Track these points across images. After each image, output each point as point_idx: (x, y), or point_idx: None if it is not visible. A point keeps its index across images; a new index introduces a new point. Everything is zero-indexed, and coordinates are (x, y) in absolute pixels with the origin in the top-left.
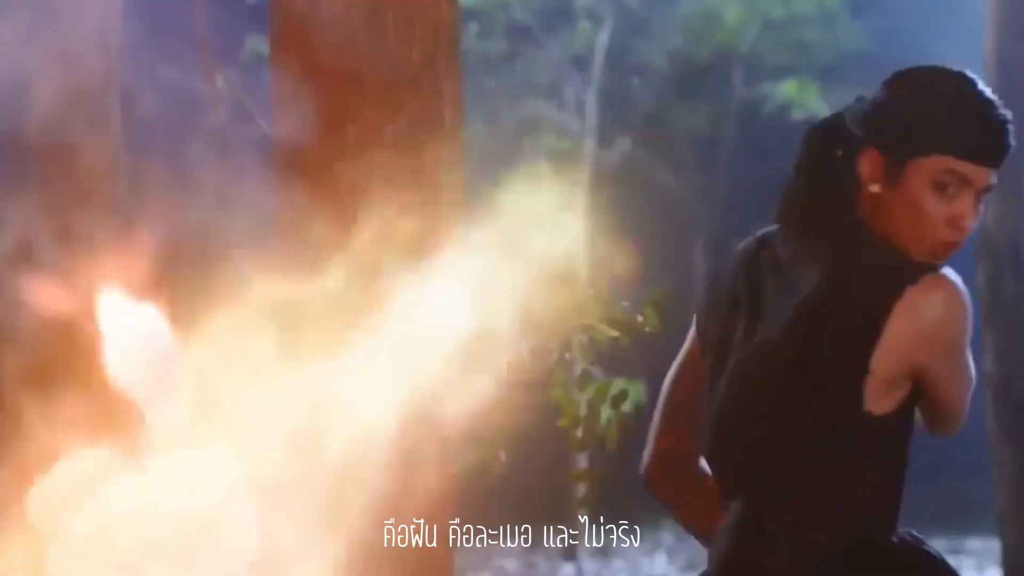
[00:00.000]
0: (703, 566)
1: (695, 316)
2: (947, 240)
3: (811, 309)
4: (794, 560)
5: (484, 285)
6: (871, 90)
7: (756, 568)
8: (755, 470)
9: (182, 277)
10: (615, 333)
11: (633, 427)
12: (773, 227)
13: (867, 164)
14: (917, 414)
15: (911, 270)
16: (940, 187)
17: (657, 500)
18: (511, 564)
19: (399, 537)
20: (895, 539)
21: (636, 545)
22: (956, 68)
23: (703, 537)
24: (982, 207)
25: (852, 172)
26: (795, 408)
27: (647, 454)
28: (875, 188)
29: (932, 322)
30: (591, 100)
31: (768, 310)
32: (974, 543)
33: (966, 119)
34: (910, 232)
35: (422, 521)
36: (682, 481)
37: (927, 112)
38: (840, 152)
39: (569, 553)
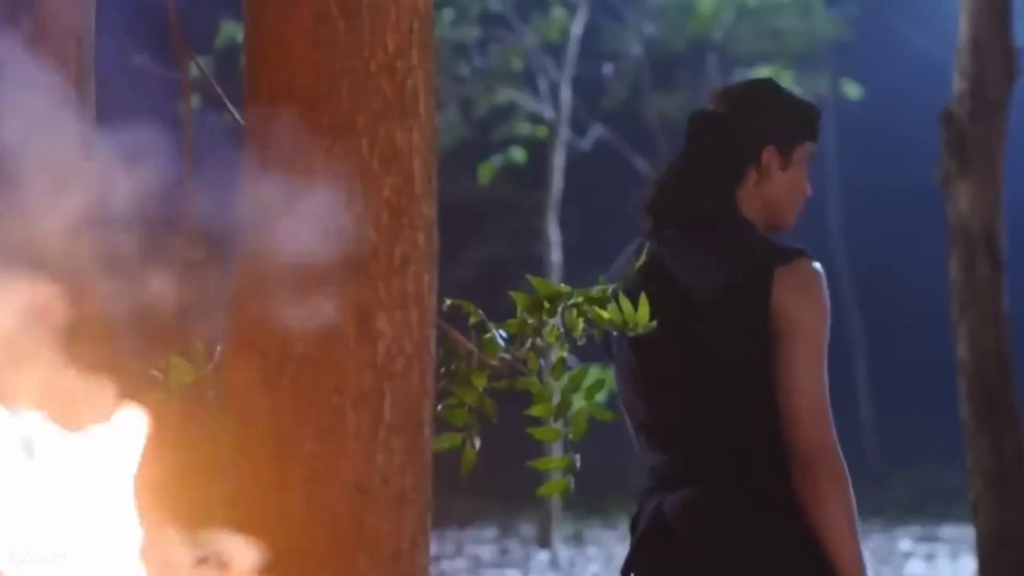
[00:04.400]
0: None
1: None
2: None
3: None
4: None
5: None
6: (845, 78)
7: None
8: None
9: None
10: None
11: (607, 415)
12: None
13: (768, 157)
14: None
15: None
16: (805, 165)
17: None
18: (485, 551)
19: (372, 524)
20: None
21: (609, 531)
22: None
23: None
24: None
25: (736, 170)
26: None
27: None
28: (775, 175)
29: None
30: (565, 87)
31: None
32: (948, 530)
33: (810, 111)
34: (792, 204)
35: (395, 508)
36: None
37: (797, 111)
38: (727, 155)
39: (543, 540)
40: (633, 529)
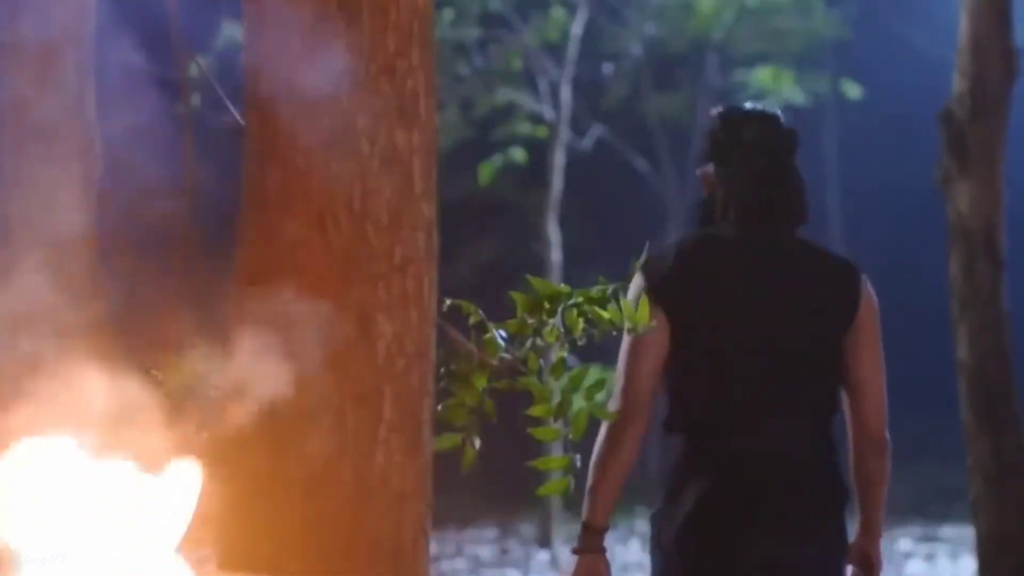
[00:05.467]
0: None
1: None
2: None
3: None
4: None
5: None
6: (845, 78)
7: None
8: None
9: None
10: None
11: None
12: (705, 230)
13: None
14: None
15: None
16: None
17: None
18: (485, 551)
19: (372, 524)
20: None
21: (610, 532)
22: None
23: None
24: None
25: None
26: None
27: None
28: None
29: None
30: (565, 88)
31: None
32: (948, 530)
33: None
34: None
35: (395, 508)
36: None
37: None
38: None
39: (543, 540)
40: (673, 499)
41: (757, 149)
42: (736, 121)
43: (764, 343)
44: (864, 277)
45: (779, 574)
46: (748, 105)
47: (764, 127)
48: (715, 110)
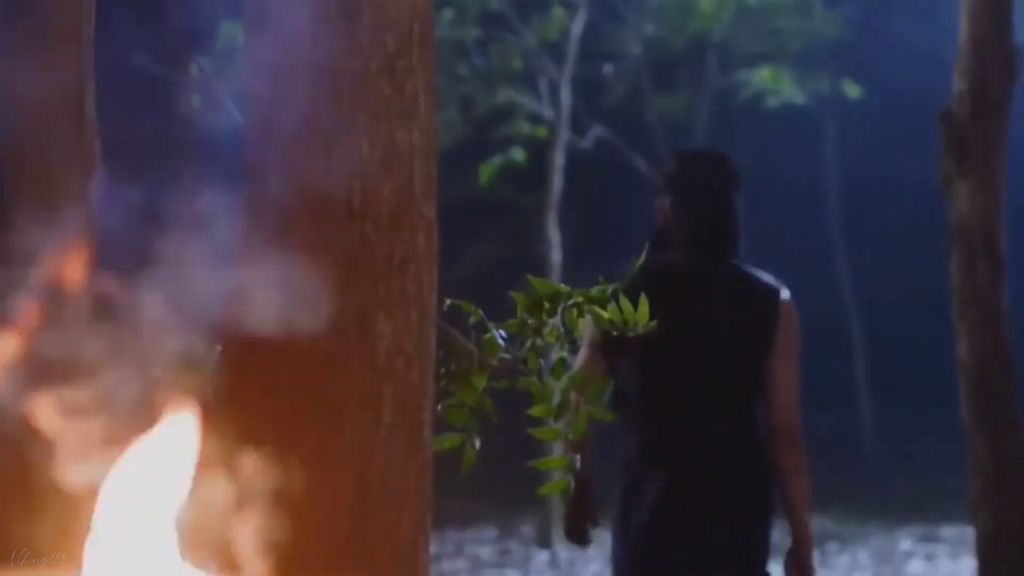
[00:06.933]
0: None
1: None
2: None
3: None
4: None
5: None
6: (845, 78)
7: None
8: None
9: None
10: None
11: (607, 415)
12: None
13: None
14: None
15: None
16: None
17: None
18: (485, 551)
19: (372, 524)
20: None
21: (604, 529)
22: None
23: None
24: None
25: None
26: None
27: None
28: None
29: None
30: (565, 87)
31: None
32: (948, 530)
33: None
34: None
35: (395, 508)
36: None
37: None
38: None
39: (543, 540)
40: (632, 491)
41: (704, 190)
42: (688, 162)
43: (699, 357)
44: (783, 299)
45: (724, 543)
46: (700, 149)
47: (711, 170)
48: (672, 151)
